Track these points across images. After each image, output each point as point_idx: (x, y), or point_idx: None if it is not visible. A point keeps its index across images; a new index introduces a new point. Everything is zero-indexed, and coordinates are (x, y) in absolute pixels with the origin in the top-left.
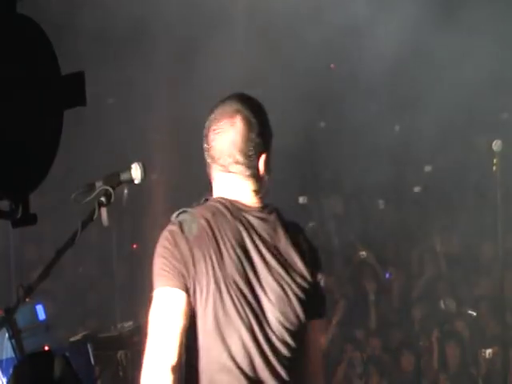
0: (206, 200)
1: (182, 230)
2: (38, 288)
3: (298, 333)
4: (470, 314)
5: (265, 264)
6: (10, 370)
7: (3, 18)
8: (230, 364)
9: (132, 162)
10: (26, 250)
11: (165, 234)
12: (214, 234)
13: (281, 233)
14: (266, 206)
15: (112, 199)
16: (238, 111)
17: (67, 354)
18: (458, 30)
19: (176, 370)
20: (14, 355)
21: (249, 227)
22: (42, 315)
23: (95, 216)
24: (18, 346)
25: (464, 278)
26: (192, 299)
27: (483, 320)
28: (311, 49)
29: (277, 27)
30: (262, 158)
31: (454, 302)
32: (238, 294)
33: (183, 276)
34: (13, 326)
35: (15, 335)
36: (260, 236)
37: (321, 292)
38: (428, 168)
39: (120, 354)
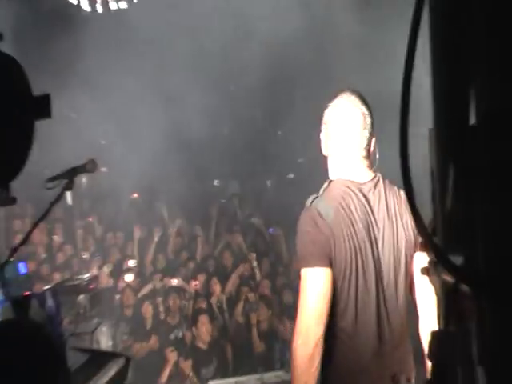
0: (330, 182)
1: (321, 215)
2: (23, 250)
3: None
4: None
5: (380, 229)
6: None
7: None
8: (365, 326)
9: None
10: (14, 224)
11: (305, 219)
12: (346, 214)
13: (391, 199)
14: (374, 177)
15: (73, 186)
16: (354, 104)
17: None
18: None
19: (322, 339)
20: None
21: (367, 201)
22: (23, 270)
23: (61, 198)
24: (5, 293)
25: None
26: (334, 272)
27: None
28: None
29: None
30: (372, 141)
31: None
32: (370, 265)
33: (328, 254)
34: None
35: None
36: (374, 206)
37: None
38: (300, 159)
39: (81, 297)
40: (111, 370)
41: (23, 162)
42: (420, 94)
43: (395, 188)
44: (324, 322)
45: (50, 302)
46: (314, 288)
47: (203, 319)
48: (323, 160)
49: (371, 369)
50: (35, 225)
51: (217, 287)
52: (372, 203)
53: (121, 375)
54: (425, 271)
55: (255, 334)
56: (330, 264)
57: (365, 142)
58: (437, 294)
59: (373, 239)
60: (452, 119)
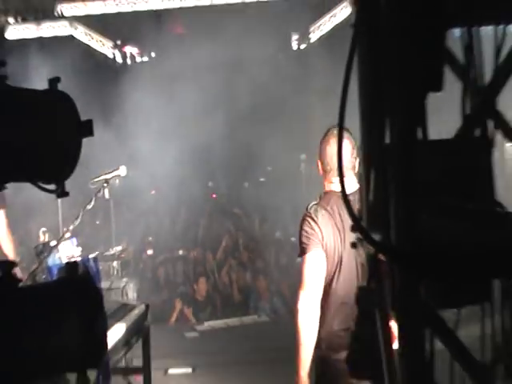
0: (325, 193)
1: (312, 218)
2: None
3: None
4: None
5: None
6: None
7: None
8: (343, 291)
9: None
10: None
11: (303, 221)
12: (330, 216)
13: None
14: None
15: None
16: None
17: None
18: None
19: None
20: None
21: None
22: (74, 243)
23: (100, 193)
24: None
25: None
26: (326, 254)
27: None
28: None
29: None
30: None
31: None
32: (350, 251)
33: (320, 242)
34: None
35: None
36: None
37: None
38: (269, 168)
39: (114, 263)
40: (136, 313)
41: (74, 166)
42: None
43: None
44: (320, 292)
45: (93, 266)
46: (312, 266)
47: (201, 279)
48: (285, 168)
49: (349, 320)
50: (83, 210)
51: (210, 257)
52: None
53: (143, 317)
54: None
55: (235, 289)
56: (322, 248)
57: (351, 165)
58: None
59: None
60: (373, 139)
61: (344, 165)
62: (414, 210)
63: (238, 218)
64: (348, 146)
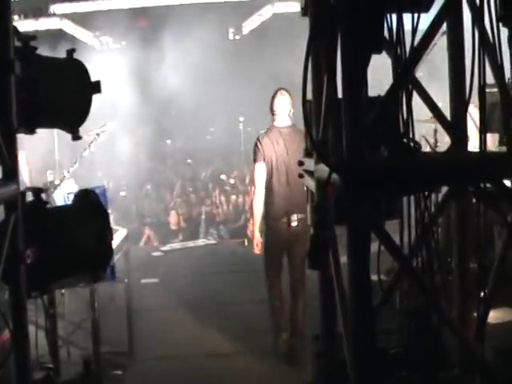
0: (271, 127)
1: (259, 141)
2: None
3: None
4: None
5: (287, 147)
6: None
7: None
8: (278, 186)
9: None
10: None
11: (256, 143)
12: (270, 140)
13: (295, 134)
14: (289, 125)
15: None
16: (283, 93)
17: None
18: None
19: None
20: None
21: (282, 134)
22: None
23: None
24: None
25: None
26: (266, 165)
27: None
28: None
29: None
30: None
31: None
32: (283, 165)
33: (263, 157)
34: None
35: None
36: (288, 138)
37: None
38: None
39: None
40: (119, 235)
41: (86, 116)
42: None
43: (298, 129)
44: (264, 183)
45: (102, 193)
46: (259, 172)
47: (172, 212)
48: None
49: (281, 203)
50: (80, 157)
51: (167, 195)
52: (285, 135)
53: (125, 239)
54: (300, 176)
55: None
56: (264, 161)
57: (288, 111)
58: (309, 187)
59: (284, 150)
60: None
61: (285, 111)
62: (359, 143)
63: (189, 166)
64: (288, 99)
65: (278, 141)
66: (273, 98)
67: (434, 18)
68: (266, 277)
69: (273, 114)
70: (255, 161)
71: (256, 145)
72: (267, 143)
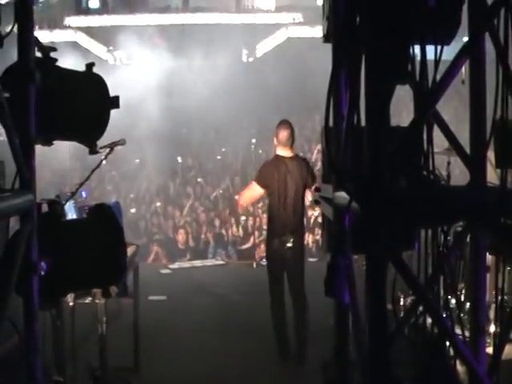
0: (275, 156)
1: (263, 168)
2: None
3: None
4: None
5: (290, 177)
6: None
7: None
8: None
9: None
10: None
11: (260, 168)
12: (275, 167)
13: (296, 164)
14: (292, 155)
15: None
16: (287, 126)
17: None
18: None
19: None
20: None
21: (284, 163)
22: (84, 195)
23: (107, 157)
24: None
25: None
26: (266, 190)
27: None
28: None
29: None
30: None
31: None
32: (282, 190)
33: (264, 183)
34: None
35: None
36: (290, 167)
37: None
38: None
39: None
40: (129, 251)
41: (104, 130)
42: None
43: (302, 159)
44: (248, 200)
45: (116, 208)
46: (250, 189)
47: (180, 231)
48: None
49: (279, 223)
50: (92, 172)
51: (177, 213)
52: (288, 164)
53: (134, 254)
54: (316, 202)
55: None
56: (264, 187)
57: (290, 143)
58: (326, 214)
59: (287, 178)
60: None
61: (287, 143)
62: (380, 172)
63: (199, 185)
64: (290, 132)
65: (279, 169)
66: (277, 129)
67: (456, 55)
68: (271, 296)
69: (277, 145)
70: (253, 181)
71: (259, 171)
72: (269, 170)
